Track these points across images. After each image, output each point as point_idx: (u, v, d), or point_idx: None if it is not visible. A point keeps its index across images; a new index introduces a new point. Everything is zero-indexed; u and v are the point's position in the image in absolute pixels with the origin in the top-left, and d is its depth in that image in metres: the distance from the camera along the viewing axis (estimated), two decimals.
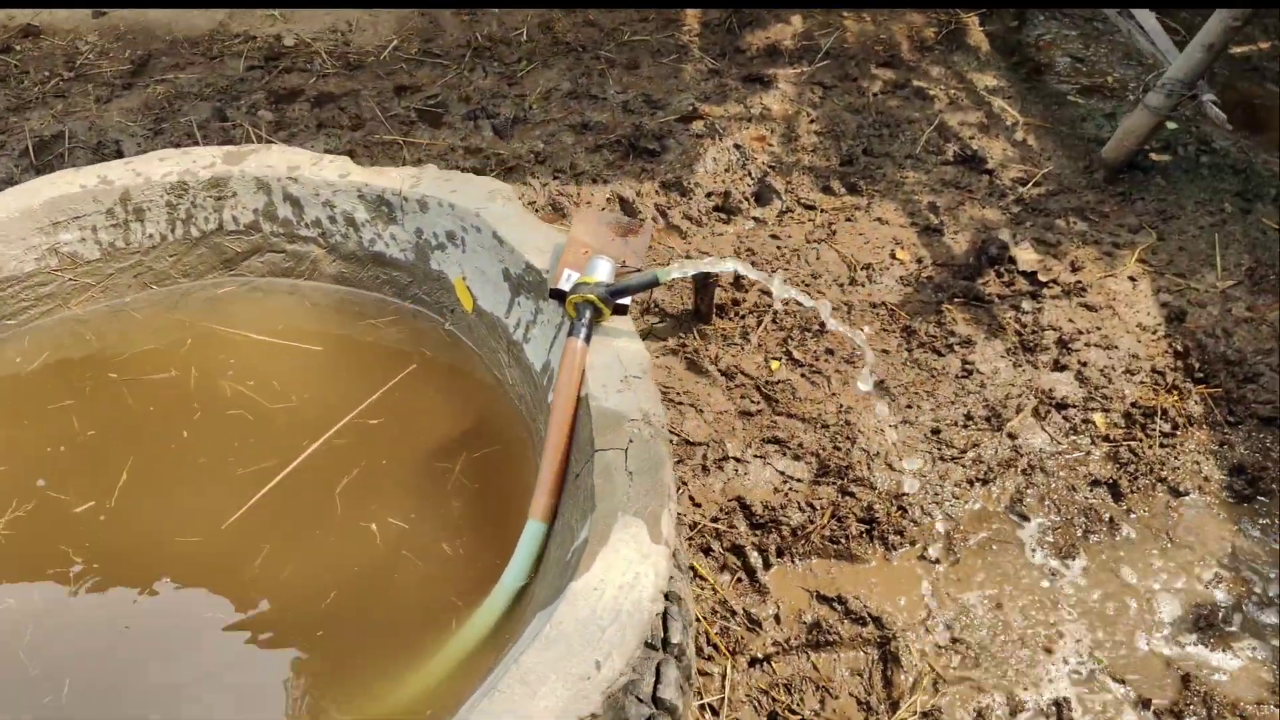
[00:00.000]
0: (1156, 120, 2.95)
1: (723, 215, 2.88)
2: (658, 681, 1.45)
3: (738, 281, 2.62)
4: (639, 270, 1.42)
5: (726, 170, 3.03)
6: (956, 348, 2.50)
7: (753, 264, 2.69)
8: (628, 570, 1.09)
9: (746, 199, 2.94)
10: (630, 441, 1.22)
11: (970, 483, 2.23)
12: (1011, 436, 2.32)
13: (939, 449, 2.28)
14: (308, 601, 1.33)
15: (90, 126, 3.11)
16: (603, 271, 1.35)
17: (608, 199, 2.82)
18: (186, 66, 3.40)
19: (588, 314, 1.32)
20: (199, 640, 1.29)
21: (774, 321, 2.53)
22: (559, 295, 1.37)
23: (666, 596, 1.56)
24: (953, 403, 2.38)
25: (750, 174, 3.02)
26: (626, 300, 1.36)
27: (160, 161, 1.60)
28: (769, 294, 2.58)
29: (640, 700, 1.43)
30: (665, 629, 1.51)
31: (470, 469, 1.45)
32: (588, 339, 1.32)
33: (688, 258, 2.68)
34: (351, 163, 1.62)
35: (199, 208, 1.60)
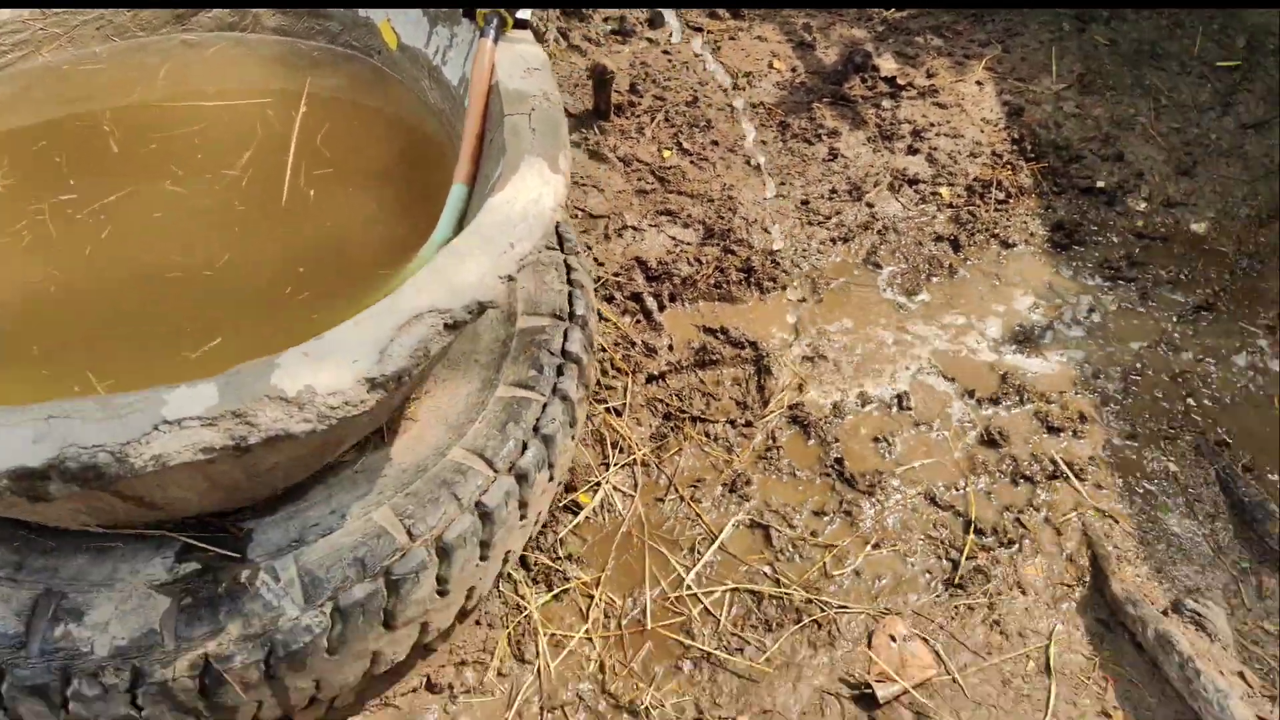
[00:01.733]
0: None
1: (619, 37, 3.17)
2: (565, 340, 1.80)
3: (633, 87, 2.92)
4: None
5: None
6: (824, 138, 2.85)
7: (647, 75, 2.99)
8: (533, 191, 1.42)
9: (640, 23, 3.23)
10: (533, 110, 1.53)
11: (833, 241, 2.60)
12: (869, 205, 2.69)
13: (807, 216, 2.64)
14: (273, 267, 1.62)
15: None
16: None
17: None
18: None
19: (494, 21, 1.62)
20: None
21: (666, 119, 2.85)
22: (469, 13, 1.67)
23: (570, 283, 1.90)
24: (820, 180, 2.74)
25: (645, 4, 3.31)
26: (526, 14, 1.66)
27: None
28: (661, 98, 2.90)
29: (552, 353, 1.78)
30: (571, 305, 1.85)
31: (403, 169, 1.75)
32: (495, 40, 1.62)
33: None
34: None
35: None
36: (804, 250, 2.56)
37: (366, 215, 1.69)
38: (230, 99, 1.85)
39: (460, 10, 1.68)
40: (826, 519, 2.05)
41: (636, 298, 2.42)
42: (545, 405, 1.70)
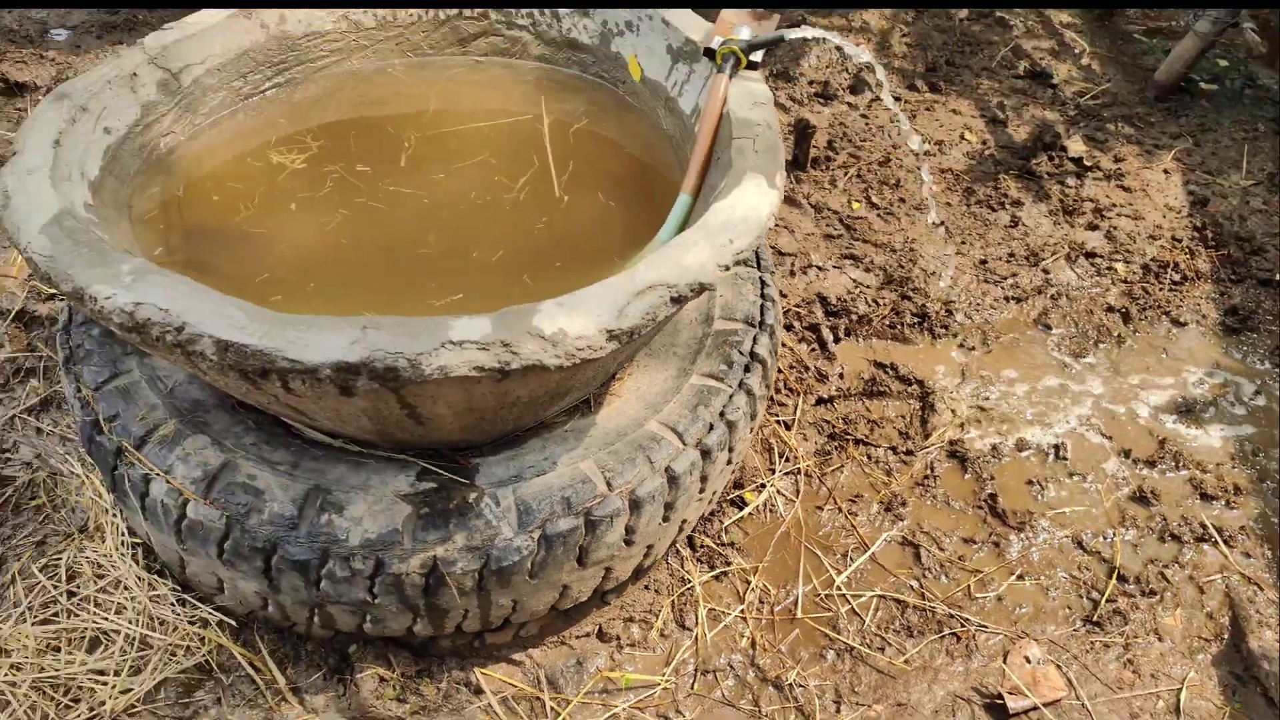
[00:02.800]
0: (1203, 44, 3.42)
1: (821, 99, 3.43)
2: (754, 344, 2.03)
3: (830, 144, 3.17)
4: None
5: (827, 66, 3.58)
6: (1007, 206, 3.02)
7: (844, 135, 3.24)
8: (752, 201, 1.66)
9: (842, 89, 3.48)
10: (757, 135, 1.79)
11: (1006, 299, 2.76)
12: (1045, 272, 2.84)
13: (984, 274, 2.81)
14: (517, 249, 1.92)
15: None
16: (744, 35, 1.92)
17: None
18: None
19: (731, 60, 1.90)
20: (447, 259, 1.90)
21: (858, 175, 3.08)
22: (709, 53, 1.95)
23: (763, 296, 2.13)
24: (999, 244, 2.91)
25: (847, 70, 3.57)
26: (758, 56, 1.93)
27: None
28: (855, 155, 3.13)
29: (741, 353, 2.01)
30: (761, 315, 2.09)
31: (632, 181, 2.04)
32: (731, 76, 1.89)
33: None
34: None
35: None
36: (978, 304, 2.73)
37: (603, 215, 1.97)
38: (496, 111, 2.19)
39: (701, 50, 1.96)
40: (975, 546, 2.19)
41: (814, 329, 2.63)
42: (731, 395, 1.92)
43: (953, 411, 2.45)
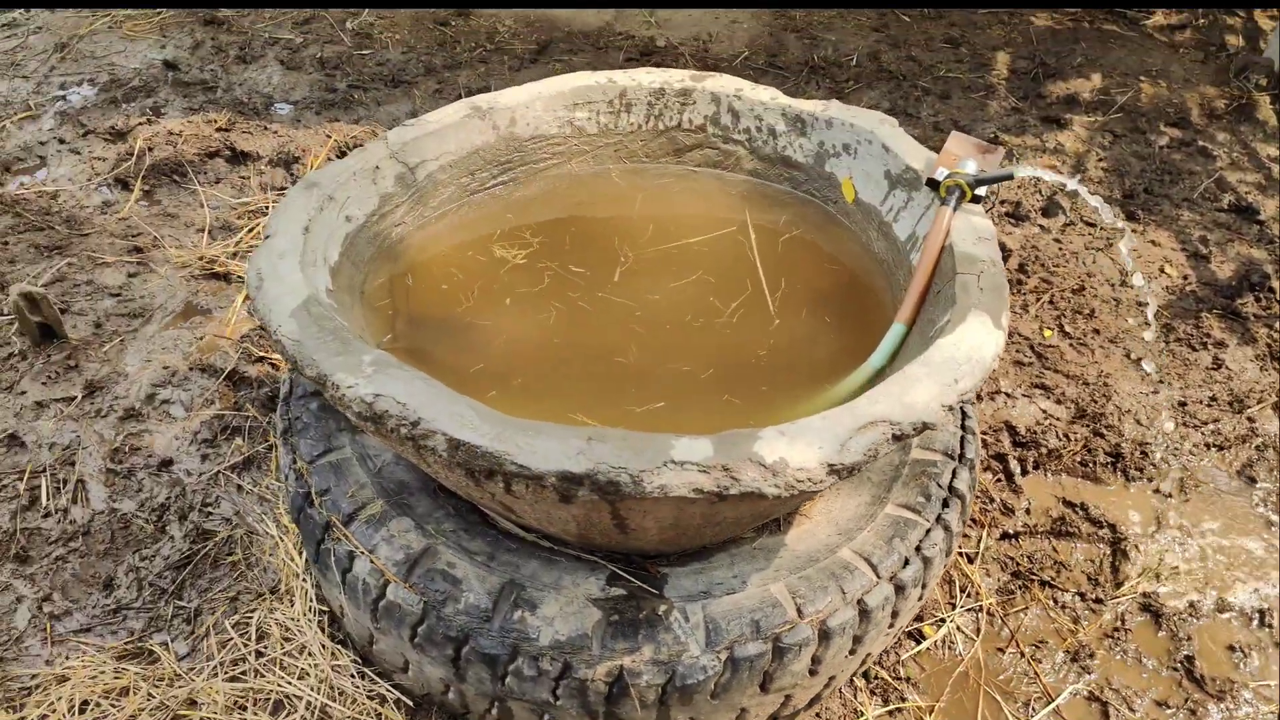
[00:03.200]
0: None
1: (1013, 220, 3.38)
2: (953, 478, 1.99)
3: (1022, 267, 3.11)
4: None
5: (1019, 185, 3.53)
6: (1210, 346, 2.90)
7: (1036, 258, 3.18)
8: (976, 340, 1.64)
9: (1035, 210, 3.42)
10: (981, 272, 1.77)
11: (1207, 446, 2.63)
12: (1250, 420, 2.69)
13: (1184, 417, 2.69)
14: (722, 361, 1.94)
15: (504, 86, 3.96)
16: (970, 168, 1.91)
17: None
18: (578, 52, 4.23)
19: (956, 194, 1.89)
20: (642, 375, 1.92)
21: (1050, 302, 3.01)
22: (933, 184, 1.94)
23: (964, 428, 2.09)
24: (1200, 386, 2.78)
25: (1040, 192, 3.51)
26: (983, 191, 1.91)
27: (648, 74, 2.29)
28: (1048, 281, 3.06)
29: (940, 486, 1.97)
30: (961, 447, 2.04)
31: (840, 303, 2.03)
32: (955, 209, 1.88)
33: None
34: (779, 91, 2.26)
35: (668, 109, 2.27)
36: (1176, 449, 2.61)
37: (809, 335, 1.98)
38: (706, 221, 2.23)
39: (924, 180, 1.96)
40: (1169, 712, 2.07)
41: (1000, 458, 2.56)
42: (929, 530, 1.88)
43: (1148, 562, 2.33)
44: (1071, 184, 1.92)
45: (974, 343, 1.64)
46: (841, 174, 2.16)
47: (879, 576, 1.80)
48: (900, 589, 1.81)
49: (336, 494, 1.86)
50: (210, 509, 2.36)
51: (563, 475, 1.42)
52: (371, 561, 1.77)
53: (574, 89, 2.25)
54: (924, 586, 1.88)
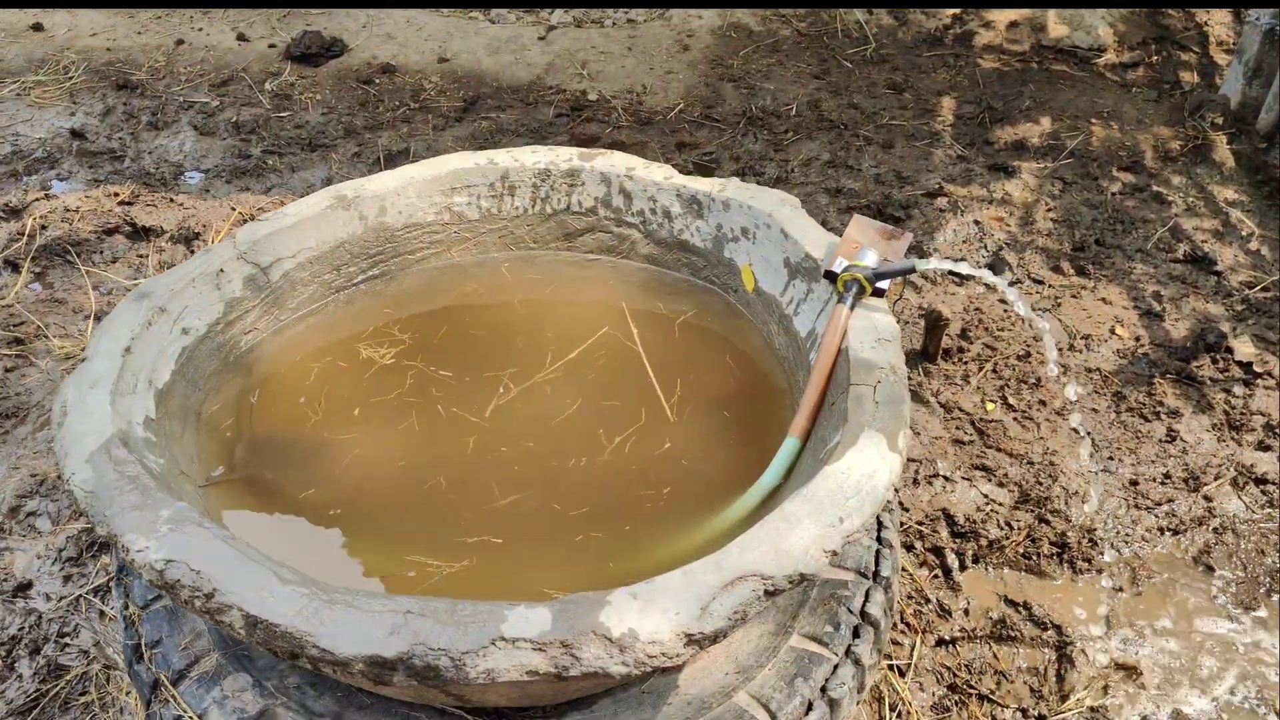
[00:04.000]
0: None
1: (955, 278, 3.20)
2: (866, 601, 1.78)
3: (964, 332, 2.92)
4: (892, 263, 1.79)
5: (964, 241, 3.36)
6: (1163, 416, 2.71)
7: (979, 321, 2.99)
8: (869, 465, 1.44)
9: (979, 267, 3.24)
10: (879, 382, 1.57)
11: (1161, 530, 2.43)
12: (1207, 499, 2.50)
13: (1135, 498, 2.49)
14: (589, 485, 1.73)
15: (428, 147, 3.78)
16: (870, 259, 1.72)
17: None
18: (507, 109, 4.05)
19: (854, 289, 1.70)
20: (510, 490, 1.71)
21: (994, 370, 2.82)
22: (831, 276, 1.75)
23: (879, 540, 1.89)
24: (1153, 462, 2.59)
25: (986, 247, 3.33)
26: (885, 285, 1.72)
27: (533, 153, 2.10)
28: (992, 347, 2.88)
29: (851, 612, 1.76)
30: (876, 564, 1.84)
31: (739, 403, 1.84)
32: (852, 307, 1.69)
33: (943, 259, 3.00)
34: (674, 170, 2.08)
35: (555, 191, 2.08)
36: (1126, 535, 2.41)
37: (703, 443, 1.78)
38: (598, 312, 2.03)
39: (822, 270, 1.77)
40: None
41: (937, 551, 2.36)
42: (836, 666, 1.67)
43: (1095, 670, 2.13)
44: (987, 276, 1.73)
45: (865, 470, 1.44)
46: (741, 260, 1.98)
47: None
48: None
49: (168, 646, 1.65)
50: (67, 639, 2.15)
51: (371, 660, 1.22)
52: None
53: (451, 172, 2.07)
54: None
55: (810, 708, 1.62)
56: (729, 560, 1.32)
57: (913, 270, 1.70)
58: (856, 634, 1.73)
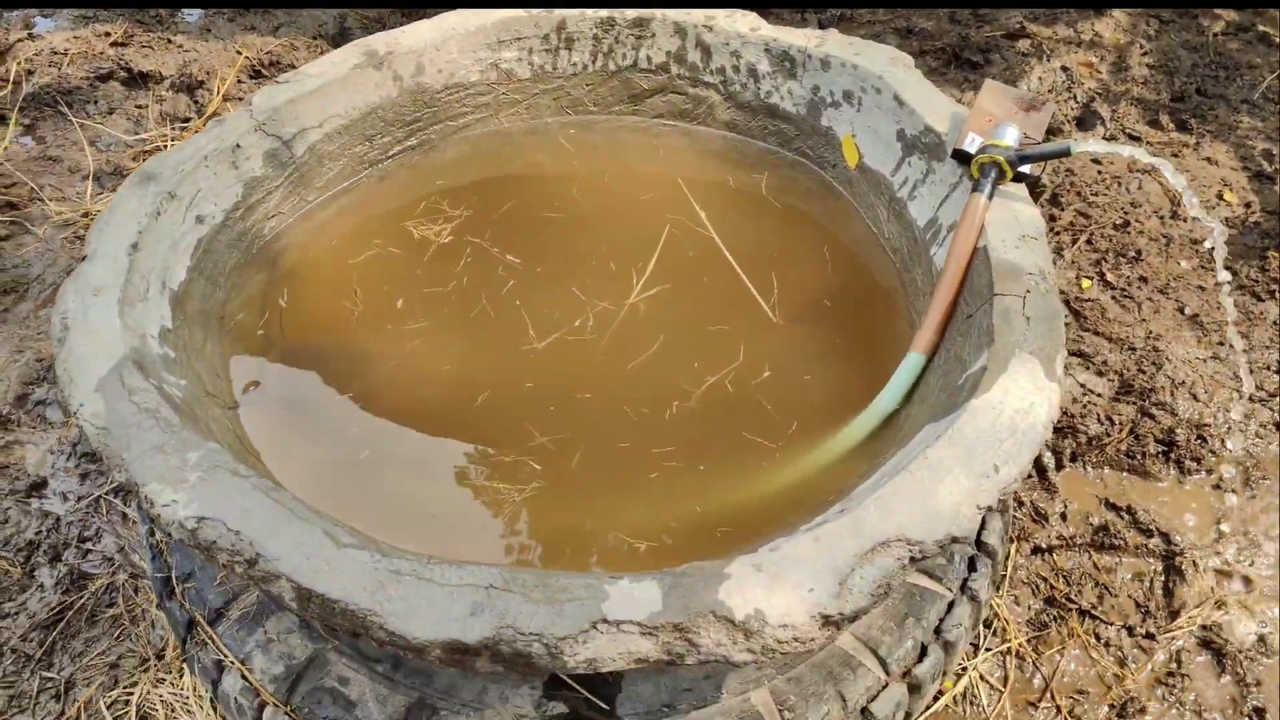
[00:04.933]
0: None
1: (1046, 134, 2.88)
2: (983, 528, 1.58)
3: (1055, 198, 2.64)
4: (1039, 142, 1.50)
5: (1051, 91, 3.02)
6: (1278, 295, 2.45)
7: (1070, 185, 2.70)
8: (1024, 398, 1.21)
9: (1069, 122, 2.92)
10: (1028, 291, 1.32)
11: (1277, 426, 2.21)
12: None
13: (1249, 390, 2.27)
14: (679, 402, 1.50)
15: None
16: (1010, 137, 1.44)
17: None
18: None
19: (992, 174, 1.42)
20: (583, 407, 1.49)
21: (1089, 242, 2.55)
22: (962, 156, 1.48)
23: None
24: (1268, 347, 2.35)
25: (1075, 98, 3.00)
26: (1029, 169, 1.45)
27: None
28: (1085, 215, 2.59)
29: (965, 542, 1.57)
30: None
31: (841, 309, 1.59)
32: (991, 196, 1.42)
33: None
34: (760, 18, 1.76)
35: (620, 44, 1.78)
36: (1240, 430, 2.20)
37: (804, 351, 1.54)
38: (668, 185, 1.76)
39: (950, 150, 1.49)
40: None
41: None
42: (952, 604, 1.49)
43: (1208, 583, 1.95)
44: (1148, 157, 1.45)
45: (1019, 404, 1.21)
46: (842, 130, 1.69)
47: (889, 673, 1.42)
48: (916, 688, 1.43)
49: (202, 580, 1.47)
50: (89, 545, 1.98)
51: (451, 646, 1.02)
52: (244, 676, 1.39)
53: (498, 22, 1.76)
54: (944, 675, 1.50)
55: (924, 652, 1.45)
56: (869, 522, 1.10)
57: (1067, 153, 1.42)
58: (973, 566, 1.54)
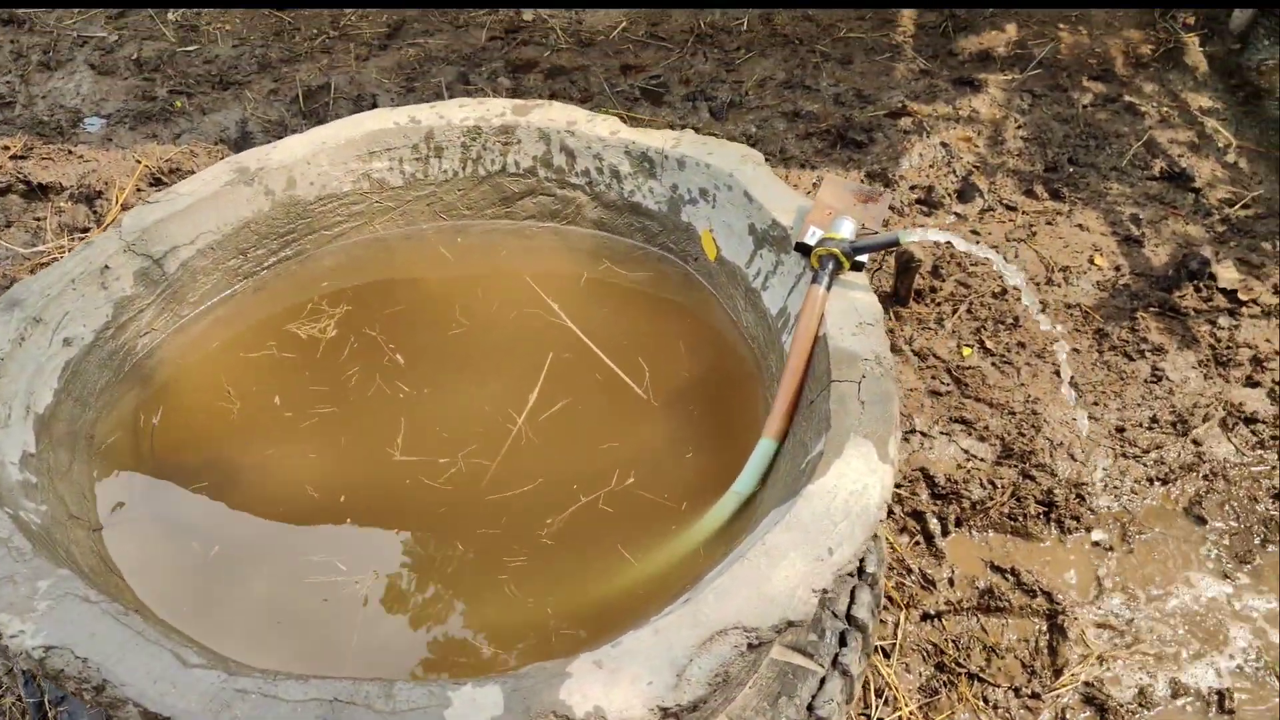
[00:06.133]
0: None
1: (925, 208, 3.01)
2: (852, 602, 1.63)
3: (936, 269, 2.74)
4: (876, 233, 1.59)
5: (931, 166, 3.15)
6: (1148, 354, 2.56)
7: (951, 256, 2.81)
8: (858, 480, 1.27)
9: (949, 195, 3.05)
10: (863, 376, 1.39)
11: (1149, 481, 2.30)
12: (1195, 444, 2.37)
13: (1122, 446, 2.36)
14: (547, 494, 1.54)
15: (351, 80, 3.48)
16: (846, 230, 1.52)
17: (813, 184, 2.99)
18: (435, 33, 3.74)
19: (830, 265, 1.50)
20: (465, 512, 1.52)
21: (969, 311, 2.65)
22: (803, 249, 1.55)
23: None
24: (1139, 405, 2.45)
25: (955, 171, 3.13)
26: (864, 258, 1.53)
27: (460, 108, 1.86)
28: (966, 285, 2.70)
29: (835, 616, 1.61)
30: (861, 560, 1.68)
31: (705, 391, 1.65)
32: (829, 287, 1.50)
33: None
34: (620, 122, 1.84)
35: (488, 150, 1.85)
36: (1115, 487, 2.29)
37: (668, 437, 1.59)
38: (542, 284, 1.82)
39: (793, 242, 1.57)
40: None
41: (918, 516, 2.22)
42: (824, 680, 1.53)
43: (1089, 639, 2.02)
44: (978, 250, 1.54)
45: (853, 486, 1.27)
46: (700, 225, 1.76)
47: None
48: None
49: (74, 705, 1.47)
50: None
51: None
52: None
53: (368, 134, 1.82)
54: None
55: None
56: (705, 611, 1.14)
57: (896, 244, 1.51)
58: (844, 641, 1.58)
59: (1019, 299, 2.67)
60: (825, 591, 1.19)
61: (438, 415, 1.60)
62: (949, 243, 1.53)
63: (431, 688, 1.07)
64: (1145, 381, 2.51)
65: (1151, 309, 2.68)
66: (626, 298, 1.79)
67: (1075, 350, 2.58)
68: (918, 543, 2.19)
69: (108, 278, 1.61)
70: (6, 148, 3.15)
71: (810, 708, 1.51)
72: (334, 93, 3.41)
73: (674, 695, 1.08)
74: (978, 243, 2.70)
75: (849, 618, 1.61)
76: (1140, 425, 2.41)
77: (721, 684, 1.12)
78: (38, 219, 2.92)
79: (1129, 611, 2.08)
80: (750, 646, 1.14)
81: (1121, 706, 1.92)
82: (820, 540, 1.21)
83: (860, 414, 1.35)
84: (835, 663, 1.55)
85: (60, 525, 1.34)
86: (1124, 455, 2.35)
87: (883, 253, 2.76)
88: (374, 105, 3.30)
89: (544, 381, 1.64)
